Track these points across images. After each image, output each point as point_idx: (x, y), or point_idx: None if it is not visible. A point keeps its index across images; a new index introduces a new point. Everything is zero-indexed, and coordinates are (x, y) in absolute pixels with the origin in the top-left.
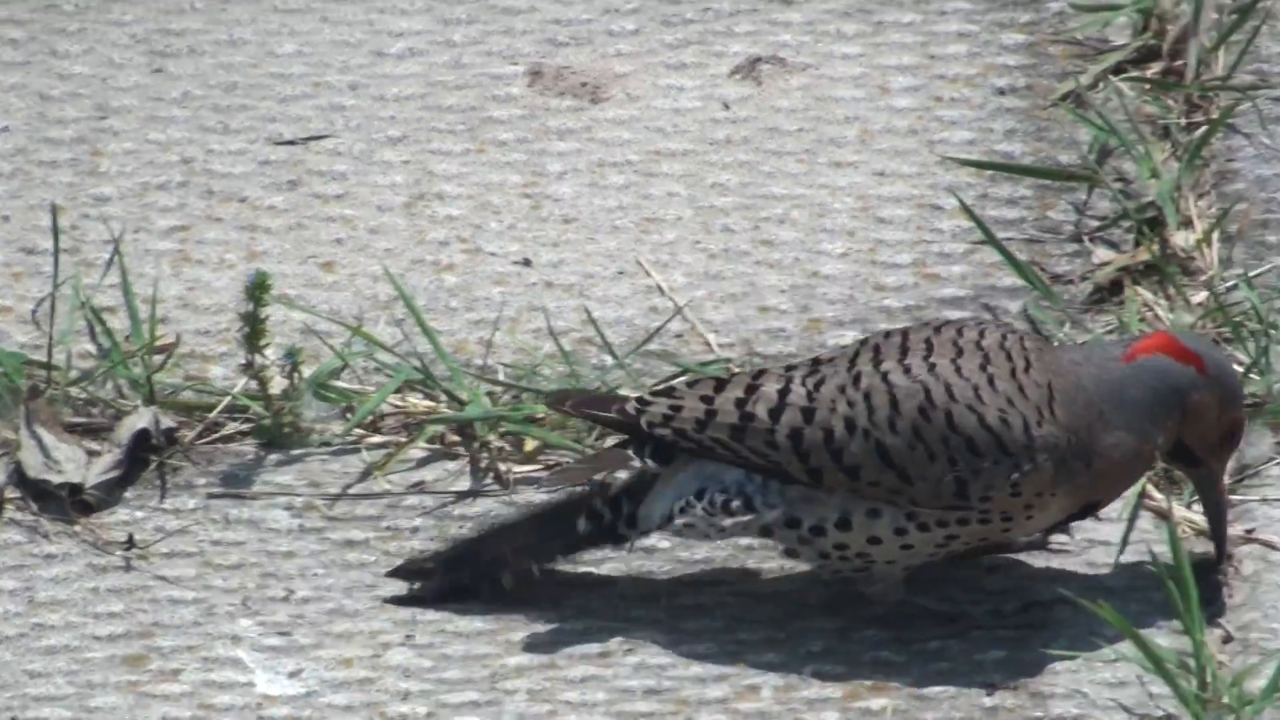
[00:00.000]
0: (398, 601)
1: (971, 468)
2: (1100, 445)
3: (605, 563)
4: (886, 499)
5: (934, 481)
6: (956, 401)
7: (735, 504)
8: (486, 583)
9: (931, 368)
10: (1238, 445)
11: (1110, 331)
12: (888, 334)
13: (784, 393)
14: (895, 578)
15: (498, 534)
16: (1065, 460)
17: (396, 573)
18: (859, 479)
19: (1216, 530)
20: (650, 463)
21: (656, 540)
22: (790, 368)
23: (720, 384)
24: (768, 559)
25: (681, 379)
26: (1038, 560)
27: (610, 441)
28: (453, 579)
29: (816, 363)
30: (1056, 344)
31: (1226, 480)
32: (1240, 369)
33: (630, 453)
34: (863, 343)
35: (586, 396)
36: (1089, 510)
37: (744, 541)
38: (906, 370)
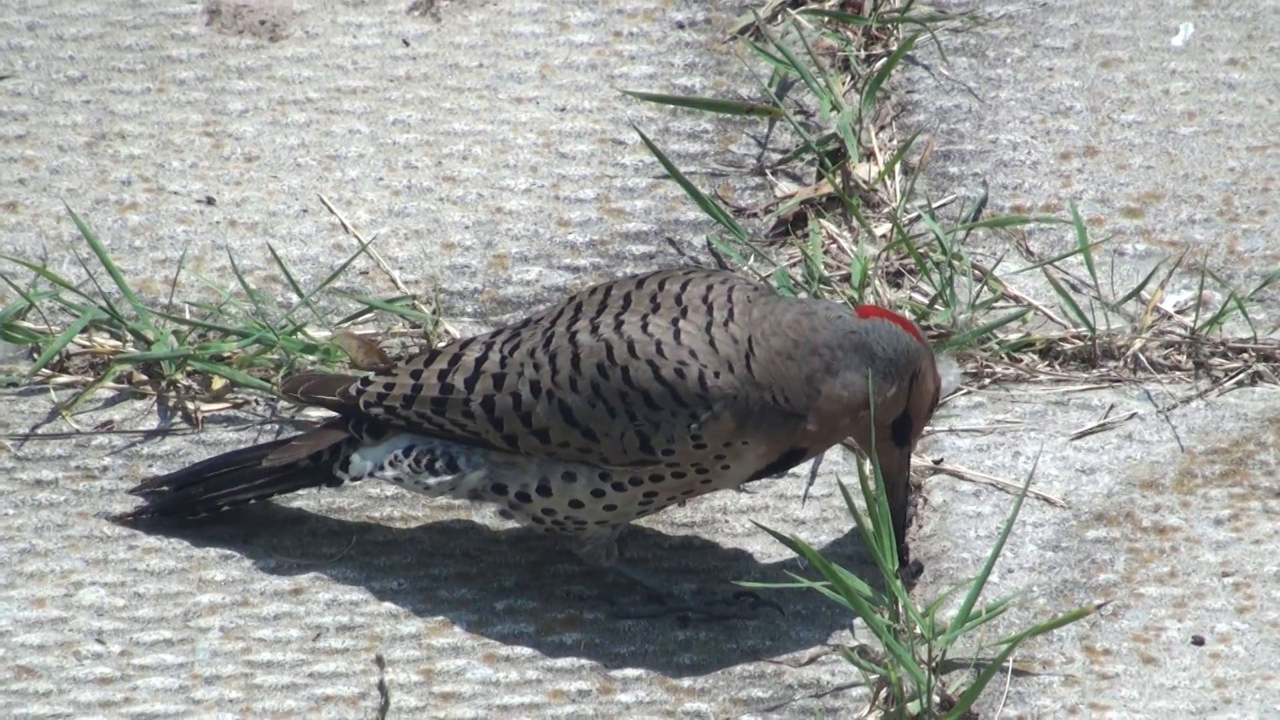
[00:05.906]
0: (122, 521)
1: (651, 421)
2: (826, 390)
3: (295, 499)
4: (579, 459)
5: (617, 437)
6: (636, 357)
7: (439, 464)
8: (205, 504)
9: (619, 325)
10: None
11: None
12: (594, 289)
13: (481, 360)
14: (606, 538)
15: (227, 460)
16: (751, 410)
17: (136, 491)
18: (550, 441)
19: (899, 514)
20: (366, 437)
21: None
22: (498, 331)
23: (434, 355)
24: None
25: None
26: (742, 496)
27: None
28: (183, 494)
29: (526, 324)
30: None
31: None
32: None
33: (348, 429)
34: (571, 299)
35: (316, 380)
36: (791, 459)
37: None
38: (594, 329)
